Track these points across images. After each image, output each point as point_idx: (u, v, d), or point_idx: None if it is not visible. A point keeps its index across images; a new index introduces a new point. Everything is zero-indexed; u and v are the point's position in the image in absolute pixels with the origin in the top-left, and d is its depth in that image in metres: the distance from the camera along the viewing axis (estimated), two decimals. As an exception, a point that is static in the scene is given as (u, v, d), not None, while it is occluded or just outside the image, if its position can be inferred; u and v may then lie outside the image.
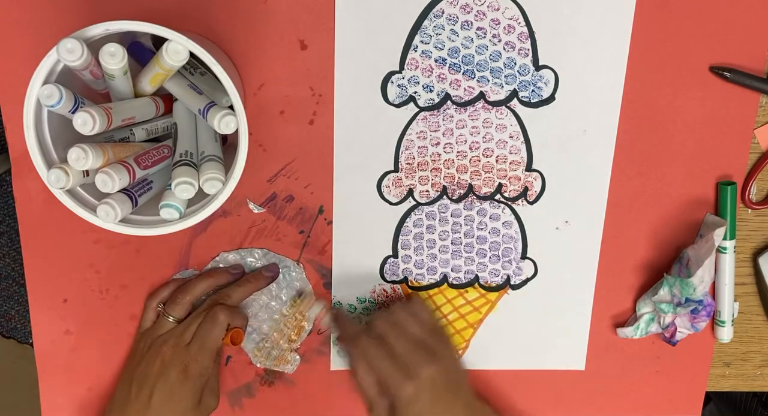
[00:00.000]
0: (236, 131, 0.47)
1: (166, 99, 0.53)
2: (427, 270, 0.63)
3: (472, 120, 0.59)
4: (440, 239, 0.62)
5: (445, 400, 0.55)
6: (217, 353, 0.58)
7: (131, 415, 0.56)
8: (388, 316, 0.58)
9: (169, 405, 0.55)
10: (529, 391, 0.67)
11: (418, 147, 0.59)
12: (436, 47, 0.57)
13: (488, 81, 0.58)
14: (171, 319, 0.58)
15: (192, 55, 0.46)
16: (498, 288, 0.64)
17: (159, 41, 0.47)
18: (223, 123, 0.47)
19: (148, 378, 0.56)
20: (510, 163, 0.60)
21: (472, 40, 0.57)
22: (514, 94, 0.58)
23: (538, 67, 0.58)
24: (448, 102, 0.58)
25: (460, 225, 0.62)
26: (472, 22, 0.56)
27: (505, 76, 0.58)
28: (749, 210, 0.63)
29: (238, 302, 0.59)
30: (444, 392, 0.55)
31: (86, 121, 0.43)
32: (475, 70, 0.57)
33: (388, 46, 0.57)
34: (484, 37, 0.57)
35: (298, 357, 0.63)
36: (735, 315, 0.65)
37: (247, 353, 0.63)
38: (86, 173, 0.47)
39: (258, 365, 0.63)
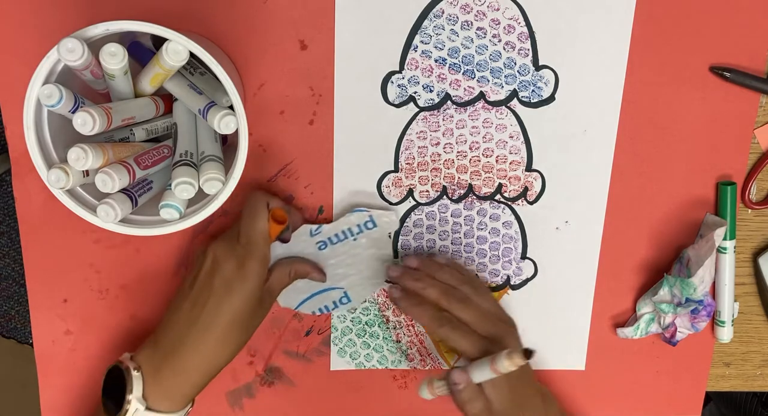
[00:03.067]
0: (236, 131, 0.47)
1: (166, 99, 0.53)
2: (427, 270, 0.63)
3: (472, 120, 0.59)
4: (440, 239, 0.62)
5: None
6: (269, 239, 0.54)
7: (185, 314, 0.52)
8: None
9: (228, 300, 0.52)
10: (529, 391, 0.67)
11: (418, 147, 0.59)
12: (436, 47, 0.57)
13: (488, 81, 0.58)
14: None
15: (192, 55, 0.46)
16: (498, 288, 0.64)
17: (159, 41, 0.47)
18: (223, 123, 0.47)
19: (202, 276, 0.53)
20: (510, 163, 0.60)
21: (472, 40, 0.57)
22: (514, 94, 0.58)
23: (538, 67, 0.58)
24: (448, 102, 0.58)
25: (460, 226, 0.62)
26: (472, 22, 0.56)
27: (505, 76, 0.58)
28: (749, 211, 0.63)
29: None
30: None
31: (86, 121, 0.43)
32: (475, 70, 0.57)
33: (388, 46, 0.57)
34: (484, 37, 0.57)
35: None
36: (735, 315, 0.65)
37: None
38: (86, 173, 0.47)
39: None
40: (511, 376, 0.53)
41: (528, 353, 0.49)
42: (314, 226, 0.60)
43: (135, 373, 0.51)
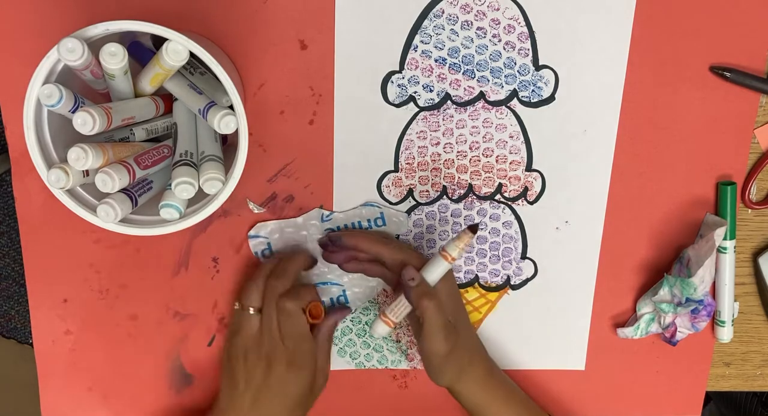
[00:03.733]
0: (236, 131, 0.47)
1: (166, 99, 0.53)
2: (427, 270, 0.63)
3: (472, 120, 0.59)
4: (440, 239, 0.62)
5: None
6: (311, 332, 0.59)
7: (245, 412, 0.57)
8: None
9: (281, 396, 0.57)
10: (529, 391, 0.67)
11: (418, 147, 0.59)
12: (436, 47, 0.57)
13: (488, 81, 0.58)
14: (252, 311, 0.57)
15: (192, 55, 0.46)
16: (498, 288, 0.64)
17: (159, 41, 0.47)
18: (223, 123, 0.47)
19: (254, 379, 0.56)
20: (510, 163, 0.60)
21: (472, 39, 0.57)
22: (514, 93, 0.58)
23: (538, 67, 0.58)
24: (448, 102, 0.58)
25: (460, 226, 0.62)
26: (472, 22, 0.56)
27: (505, 76, 0.58)
28: (749, 211, 0.63)
29: (295, 273, 0.58)
30: None
31: (86, 121, 0.43)
32: (475, 69, 0.57)
33: (388, 46, 0.57)
34: (484, 37, 0.57)
35: None
36: (735, 315, 0.65)
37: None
38: (86, 173, 0.47)
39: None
40: (452, 283, 0.58)
41: (474, 227, 0.52)
42: (326, 212, 0.60)
43: None
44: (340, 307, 0.62)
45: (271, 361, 0.56)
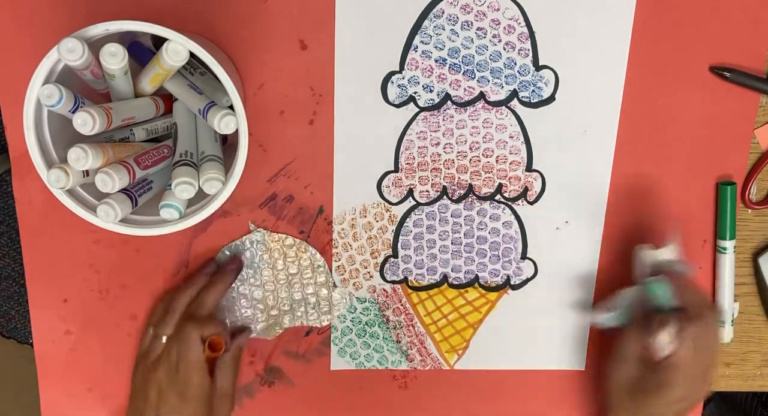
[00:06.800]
0: (236, 131, 0.47)
1: (166, 99, 0.53)
2: (427, 270, 0.63)
3: (472, 120, 0.59)
4: (440, 239, 0.62)
5: None
6: (207, 364, 0.56)
7: None
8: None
9: None
10: (529, 391, 0.67)
11: (418, 147, 0.59)
12: (436, 47, 0.57)
13: (488, 81, 0.58)
14: (163, 339, 0.57)
15: (192, 55, 0.46)
16: (498, 288, 0.64)
17: (159, 41, 0.47)
18: (223, 123, 0.47)
19: (150, 405, 0.56)
20: (510, 163, 0.60)
21: (472, 40, 0.57)
22: (514, 94, 0.58)
23: (538, 67, 0.58)
24: (448, 102, 0.58)
25: (460, 226, 0.62)
26: (472, 23, 0.56)
27: (505, 77, 0.58)
28: (749, 210, 0.63)
29: (213, 307, 0.58)
30: None
31: (86, 121, 0.43)
32: (475, 70, 0.57)
33: (388, 46, 0.57)
34: (485, 38, 0.57)
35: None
36: (735, 315, 0.65)
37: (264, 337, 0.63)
38: (86, 173, 0.47)
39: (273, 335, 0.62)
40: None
41: None
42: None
43: None
44: (239, 327, 0.62)
45: (164, 391, 0.55)
